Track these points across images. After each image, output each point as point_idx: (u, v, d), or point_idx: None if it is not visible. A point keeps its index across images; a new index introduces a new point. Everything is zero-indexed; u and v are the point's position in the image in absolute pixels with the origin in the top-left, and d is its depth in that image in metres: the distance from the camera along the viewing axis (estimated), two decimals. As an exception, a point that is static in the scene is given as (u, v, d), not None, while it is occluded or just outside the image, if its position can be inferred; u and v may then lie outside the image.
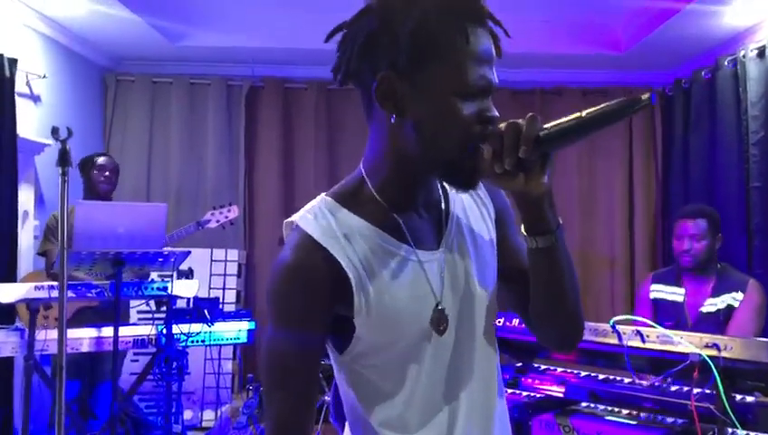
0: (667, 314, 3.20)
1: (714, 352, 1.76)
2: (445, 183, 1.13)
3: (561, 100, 5.55)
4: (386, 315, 1.07)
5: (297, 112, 5.57)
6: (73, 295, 3.13)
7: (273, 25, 4.99)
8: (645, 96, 0.92)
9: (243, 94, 5.48)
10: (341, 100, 5.57)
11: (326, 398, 4.24)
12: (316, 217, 1.10)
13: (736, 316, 3.03)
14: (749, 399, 1.96)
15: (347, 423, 1.20)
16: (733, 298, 3.06)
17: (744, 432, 1.77)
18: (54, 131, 2.04)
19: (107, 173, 3.97)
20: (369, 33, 1.05)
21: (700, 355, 1.75)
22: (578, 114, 0.98)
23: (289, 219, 1.13)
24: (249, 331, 3.68)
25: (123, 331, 3.29)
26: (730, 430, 1.75)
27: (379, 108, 1.06)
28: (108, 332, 3.20)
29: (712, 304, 3.10)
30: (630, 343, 1.91)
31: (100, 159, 4.01)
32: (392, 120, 1.05)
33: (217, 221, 4.29)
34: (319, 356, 1.10)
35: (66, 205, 2.17)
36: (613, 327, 1.93)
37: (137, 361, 4.29)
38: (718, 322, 3.06)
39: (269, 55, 5.31)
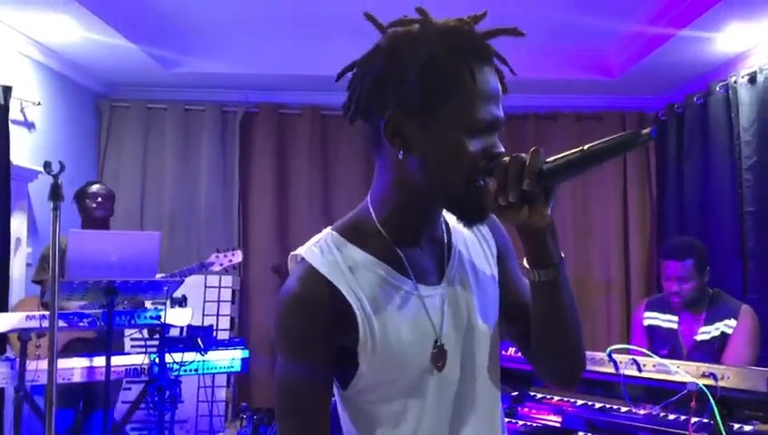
0: (662, 342, 3.18)
1: (711, 382, 1.75)
2: (454, 216, 1.13)
3: (556, 125, 5.58)
4: (389, 354, 1.08)
5: (291, 138, 5.58)
6: (65, 325, 3.10)
7: (268, 52, 5.02)
8: (646, 131, 0.92)
9: (237, 120, 5.50)
10: (336, 125, 5.59)
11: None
12: (322, 251, 1.11)
13: (731, 344, 2.99)
14: (747, 428, 1.94)
15: None
16: (726, 325, 3.01)
17: (743, 463, 1.76)
18: (47, 166, 2.03)
19: (99, 199, 3.97)
20: (377, 72, 1.07)
21: (697, 385, 1.74)
22: (580, 148, 0.99)
23: (295, 252, 1.15)
24: (243, 359, 3.64)
25: (116, 360, 3.25)
26: (729, 460, 1.73)
27: (386, 144, 1.08)
28: (100, 361, 3.17)
29: (706, 332, 3.07)
30: (627, 372, 1.89)
31: (93, 187, 4.01)
32: (399, 157, 1.07)
33: (221, 265, 4.31)
34: (327, 386, 1.11)
35: (57, 239, 2.15)
36: (610, 356, 1.92)
37: (129, 389, 4.25)
38: (713, 350, 3.02)
39: (263, 81, 5.34)
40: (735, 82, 4.17)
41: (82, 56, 4.69)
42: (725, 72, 4.41)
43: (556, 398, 2.32)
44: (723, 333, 3.01)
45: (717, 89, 4.37)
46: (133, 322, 3.32)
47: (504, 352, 2.18)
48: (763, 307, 3.70)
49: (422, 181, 1.07)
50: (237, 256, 4.36)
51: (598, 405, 2.23)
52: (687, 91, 4.83)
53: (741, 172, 4.10)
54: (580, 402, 2.26)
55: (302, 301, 1.07)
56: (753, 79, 4.02)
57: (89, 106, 5.33)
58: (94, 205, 3.94)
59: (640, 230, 5.43)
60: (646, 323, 3.26)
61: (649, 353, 1.89)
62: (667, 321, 3.20)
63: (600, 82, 5.17)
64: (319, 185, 5.52)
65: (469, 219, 1.10)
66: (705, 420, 1.79)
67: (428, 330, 1.11)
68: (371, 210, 1.14)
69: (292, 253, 1.15)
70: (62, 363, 3.12)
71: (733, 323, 3.01)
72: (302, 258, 1.11)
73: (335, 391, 1.17)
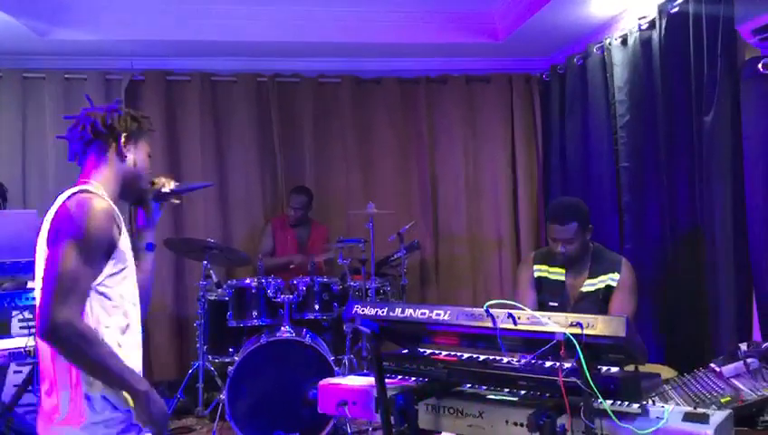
0: (551, 293, 3.39)
1: (577, 331, 1.86)
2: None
3: (446, 87, 5.69)
4: None
5: (181, 105, 5.44)
6: (-60, 310, 2.96)
7: (152, 16, 4.84)
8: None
9: (122, 88, 5.29)
10: (227, 90, 5.49)
11: (221, 396, 4.20)
12: None
13: (616, 297, 3.28)
14: (614, 370, 2.11)
15: None
16: (611, 279, 3.30)
17: (609, 402, 1.90)
18: None
19: None
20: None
21: (565, 334, 1.86)
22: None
23: None
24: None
25: (0, 344, 3.13)
26: (597, 400, 1.87)
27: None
28: (-20, 346, 3.04)
29: (591, 285, 3.33)
30: (503, 326, 1.99)
31: None
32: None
33: None
34: None
35: None
36: (487, 311, 2.01)
37: (20, 372, 4.10)
38: (598, 300, 3.30)
39: (149, 47, 5.15)
40: (610, 44, 4.38)
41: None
42: (602, 35, 4.63)
43: (443, 353, 2.41)
44: (608, 286, 3.30)
45: (595, 50, 4.58)
46: (14, 303, 3.20)
47: (391, 313, 2.24)
48: (637, 256, 3.98)
49: None
50: None
51: (482, 358, 2.34)
52: (569, 53, 5.03)
53: (616, 130, 4.34)
54: (465, 356, 2.37)
55: None
56: (624, 41, 4.23)
57: (-43, 77, 4.98)
58: None
59: (528, 186, 5.66)
60: (536, 274, 3.46)
61: (522, 307, 2.00)
62: (555, 273, 3.41)
63: (488, 45, 5.30)
64: (211, 150, 5.44)
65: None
66: (576, 367, 1.90)
67: None
68: None
69: None
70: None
71: (616, 276, 3.30)
72: None
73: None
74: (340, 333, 4.58)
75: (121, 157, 2.03)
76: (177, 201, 2.32)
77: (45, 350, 1.87)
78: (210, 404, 4.47)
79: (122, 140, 2.02)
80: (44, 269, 1.80)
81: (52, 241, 1.82)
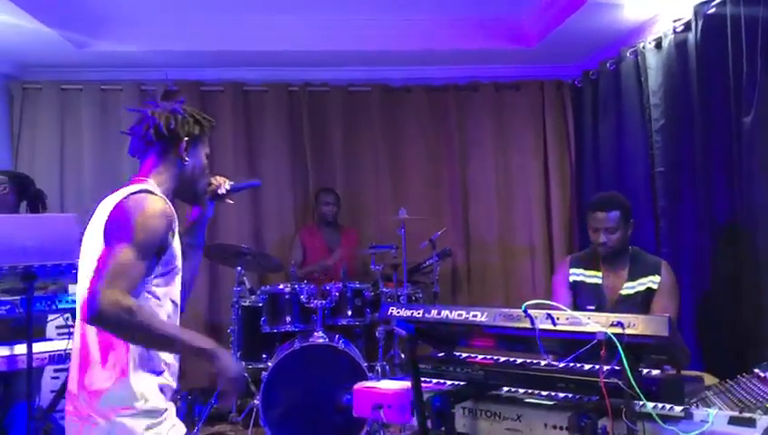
0: (588, 297, 3.34)
1: (618, 330, 1.83)
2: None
3: (476, 95, 5.67)
4: None
5: (214, 114, 5.42)
6: (-19, 314, 3.00)
7: (185, 28, 4.91)
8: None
9: (157, 99, 5.36)
10: (258, 100, 5.54)
11: (255, 402, 4.22)
12: None
13: (658, 301, 3.22)
14: (655, 372, 2.06)
15: None
16: (651, 281, 3.25)
17: (652, 404, 1.86)
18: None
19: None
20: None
21: (606, 334, 1.82)
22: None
23: None
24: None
25: (38, 347, 3.16)
26: (639, 402, 1.83)
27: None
28: (21, 349, 3.07)
29: (630, 288, 3.28)
30: (542, 327, 1.96)
31: None
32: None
33: None
34: None
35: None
36: (525, 312, 1.99)
37: (57, 378, 4.15)
38: (637, 303, 3.25)
39: (182, 59, 5.22)
40: (644, 48, 4.33)
41: (-13, 36, 4.49)
42: (635, 39, 4.58)
43: (480, 356, 2.38)
44: (648, 288, 3.25)
45: (628, 55, 4.53)
46: (54, 307, 3.23)
47: (426, 315, 2.22)
48: (674, 261, 3.91)
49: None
50: None
51: (519, 360, 2.32)
52: (601, 58, 4.98)
53: (651, 134, 4.28)
54: (502, 359, 2.34)
55: None
56: (659, 44, 4.18)
57: (-1, 89, 5.11)
58: None
59: (561, 193, 5.61)
60: (571, 278, 3.42)
61: (562, 307, 1.97)
62: (591, 277, 3.37)
63: (518, 51, 5.27)
64: (244, 160, 5.48)
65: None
66: (617, 368, 1.87)
67: None
68: None
69: None
70: (-21, 354, 3.01)
71: (657, 279, 3.25)
72: None
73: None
74: (372, 340, 4.57)
75: (181, 160, 2.04)
76: (232, 201, 2.34)
77: None
78: (244, 410, 4.49)
79: (184, 144, 2.04)
80: (97, 260, 1.80)
81: (108, 238, 1.83)
